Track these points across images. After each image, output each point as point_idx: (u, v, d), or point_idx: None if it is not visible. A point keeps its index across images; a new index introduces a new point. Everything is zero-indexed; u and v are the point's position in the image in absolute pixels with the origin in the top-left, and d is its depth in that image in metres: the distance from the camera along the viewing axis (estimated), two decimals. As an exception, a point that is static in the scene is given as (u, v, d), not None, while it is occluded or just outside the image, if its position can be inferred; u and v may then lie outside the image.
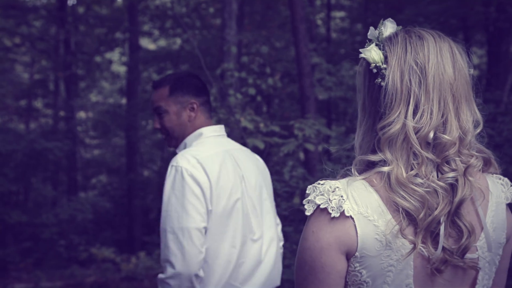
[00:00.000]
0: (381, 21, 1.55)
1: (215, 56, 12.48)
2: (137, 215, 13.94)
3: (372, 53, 1.49)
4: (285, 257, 5.82)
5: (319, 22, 14.23)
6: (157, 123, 2.65)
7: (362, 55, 1.51)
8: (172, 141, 2.67)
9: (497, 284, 1.59)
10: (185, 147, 2.65)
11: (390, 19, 1.55)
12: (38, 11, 14.79)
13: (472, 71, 1.52)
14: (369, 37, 1.54)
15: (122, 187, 15.92)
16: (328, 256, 1.41)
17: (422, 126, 1.41)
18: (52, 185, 15.34)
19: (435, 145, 1.42)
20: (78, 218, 11.84)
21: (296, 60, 7.27)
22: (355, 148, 1.53)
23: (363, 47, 1.55)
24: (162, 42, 16.81)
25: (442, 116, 1.43)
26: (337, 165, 1.56)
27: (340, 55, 11.91)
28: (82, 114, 17.75)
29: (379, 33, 1.53)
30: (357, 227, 1.40)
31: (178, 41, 14.79)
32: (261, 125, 6.13)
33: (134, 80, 14.58)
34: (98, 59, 16.24)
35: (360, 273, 1.42)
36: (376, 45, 1.51)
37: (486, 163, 1.51)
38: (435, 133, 1.42)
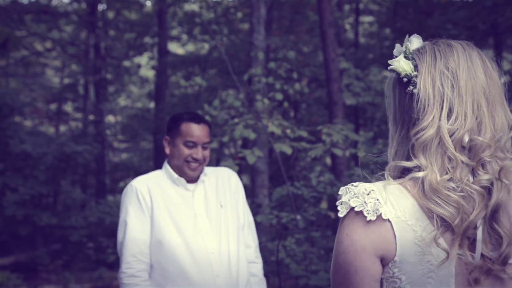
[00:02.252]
0: (407, 37, 1.54)
1: (243, 61, 12.52)
2: (164, 219, 14.02)
3: (401, 63, 1.49)
4: (311, 262, 5.79)
5: (348, 27, 14.19)
6: (201, 154, 3.05)
7: (391, 67, 1.51)
8: (200, 168, 3.09)
9: None
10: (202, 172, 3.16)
11: (415, 34, 1.55)
12: (69, 16, 15.00)
13: (503, 80, 1.51)
14: (395, 54, 1.54)
15: (149, 191, 15.99)
16: (362, 260, 1.39)
17: (457, 129, 1.40)
18: (81, 188, 15.51)
19: (470, 148, 1.41)
20: (106, 221, 11.95)
21: (324, 65, 7.26)
22: (388, 158, 1.52)
23: (391, 51, 1.54)
24: (190, 47, 16.91)
25: (477, 119, 1.41)
26: (365, 170, 1.55)
27: (368, 60, 11.85)
28: (110, 118, 17.93)
29: (406, 47, 1.52)
30: (395, 231, 1.37)
31: (206, 45, 14.87)
32: (288, 131, 6.12)
33: (162, 85, 14.69)
34: (127, 63, 16.41)
35: (400, 279, 1.39)
36: (405, 57, 1.50)
37: None
38: (470, 137, 1.40)
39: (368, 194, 1.40)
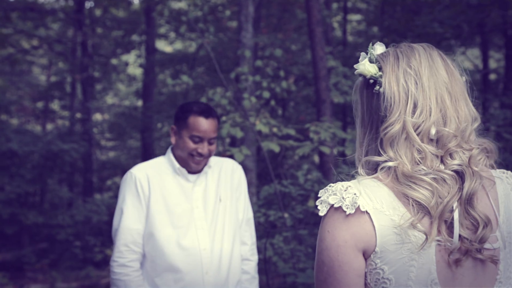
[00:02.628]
0: (370, 44, 1.61)
1: (231, 59, 12.51)
2: (152, 217, 13.97)
3: (367, 66, 1.56)
4: (299, 260, 5.80)
5: (336, 25, 14.21)
6: (207, 149, 3.00)
7: (357, 71, 1.57)
8: (205, 161, 3.04)
9: None
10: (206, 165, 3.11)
11: (379, 42, 1.63)
12: (56, 13, 14.90)
13: (464, 78, 1.58)
14: (360, 61, 1.61)
15: (137, 189, 15.95)
16: (344, 254, 1.42)
17: (423, 122, 1.46)
18: (68, 187, 15.44)
19: (438, 140, 1.47)
20: (93, 220, 11.90)
21: (312, 63, 7.26)
22: (356, 160, 1.58)
23: (379, 50, 1.63)
24: (178, 45, 16.87)
25: (441, 111, 1.48)
26: (352, 169, 1.58)
27: (356, 58, 11.84)
28: (98, 116, 17.86)
29: (370, 54, 1.59)
30: (374, 222, 1.41)
31: (194, 43, 14.84)
32: (275, 129, 6.12)
33: (150, 83, 14.64)
34: (114, 61, 16.33)
35: (382, 269, 1.42)
36: (369, 61, 1.57)
37: (488, 152, 1.56)
38: (436, 128, 1.47)
39: (345, 190, 1.44)
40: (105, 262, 11.47)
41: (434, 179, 1.43)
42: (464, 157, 1.46)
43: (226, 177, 3.15)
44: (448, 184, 1.44)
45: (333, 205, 1.43)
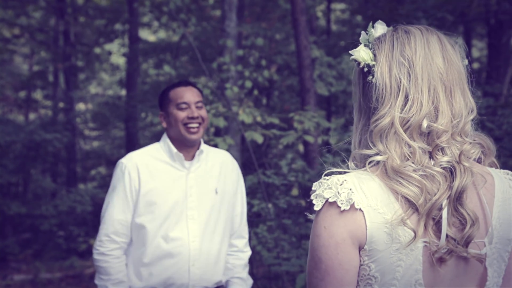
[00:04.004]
0: (370, 24, 1.57)
1: (215, 47, 12.45)
2: (136, 207, 13.92)
3: (361, 53, 1.52)
4: (283, 249, 5.82)
5: (320, 14, 14.19)
6: (197, 113, 2.99)
7: (352, 57, 1.54)
8: (201, 130, 3.02)
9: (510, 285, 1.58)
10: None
11: (380, 21, 1.58)
12: (37, 2, 14.73)
13: (466, 62, 1.53)
14: (361, 41, 1.57)
15: (121, 179, 15.88)
16: (344, 252, 1.39)
17: (413, 115, 1.43)
18: (52, 177, 15.34)
19: (429, 133, 1.44)
20: (77, 210, 11.84)
21: (296, 52, 7.26)
22: (352, 147, 1.54)
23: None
24: (162, 34, 16.77)
25: (433, 104, 1.44)
26: (337, 158, 1.56)
27: (340, 47, 11.88)
28: (81, 106, 17.73)
29: (369, 35, 1.55)
30: (366, 220, 1.39)
31: (181, 30, 14.74)
32: (258, 118, 6.11)
33: (134, 72, 14.54)
34: (97, 50, 16.20)
35: (369, 267, 1.41)
36: (365, 45, 1.53)
37: (484, 150, 1.51)
38: (428, 123, 1.43)
39: (341, 185, 1.41)
40: (89, 252, 11.42)
41: (423, 176, 1.40)
42: (455, 152, 1.42)
43: (227, 170, 3.14)
44: (437, 181, 1.41)
45: (328, 199, 1.41)
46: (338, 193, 1.40)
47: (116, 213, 2.94)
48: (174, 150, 3.01)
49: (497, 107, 6.97)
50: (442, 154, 1.43)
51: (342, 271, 1.40)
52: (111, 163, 16.79)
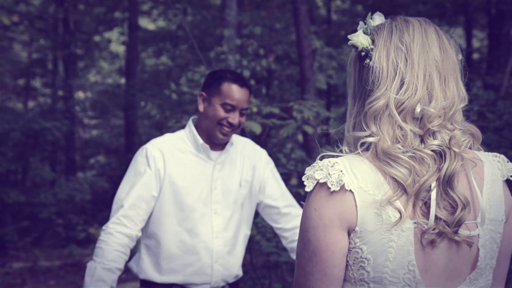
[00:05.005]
0: (369, 14, 1.61)
1: (214, 36, 12.40)
2: (135, 196, 13.91)
3: (360, 38, 1.55)
4: (282, 239, 5.82)
5: (320, 3, 14.14)
6: (238, 120, 2.81)
7: (350, 42, 1.57)
8: (231, 134, 2.86)
9: (506, 272, 1.60)
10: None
11: (378, 12, 1.63)
12: (36, -11, 14.66)
13: (460, 57, 1.57)
14: (358, 30, 1.60)
15: (120, 168, 15.89)
16: (332, 234, 1.42)
17: (407, 98, 1.46)
18: (50, 165, 15.33)
19: (421, 118, 1.47)
20: (76, 198, 11.84)
21: (296, 41, 7.22)
22: (345, 132, 1.57)
23: (364, 29, 1.60)
24: (161, 22, 16.71)
25: (427, 89, 1.47)
26: (336, 148, 1.58)
27: (341, 37, 11.84)
28: (80, 94, 17.69)
29: (367, 25, 1.59)
30: (357, 201, 1.41)
31: (178, 20, 14.71)
32: (254, 109, 6.08)
33: (133, 60, 14.50)
34: (97, 38, 16.14)
35: (361, 249, 1.42)
36: (364, 32, 1.57)
37: (474, 137, 1.55)
38: (421, 107, 1.46)
39: (332, 166, 1.44)
40: (88, 241, 11.45)
41: (412, 157, 1.43)
42: (446, 137, 1.46)
43: (251, 161, 2.97)
44: (426, 163, 1.43)
45: (319, 180, 1.44)
46: (329, 174, 1.43)
47: (135, 199, 2.73)
48: (200, 141, 2.83)
49: (497, 97, 6.95)
50: (433, 138, 1.46)
51: (328, 252, 1.42)
52: (110, 152, 16.79)
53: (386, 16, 1.63)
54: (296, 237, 2.80)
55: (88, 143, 17.03)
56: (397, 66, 1.49)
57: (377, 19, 1.61)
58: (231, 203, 2.88)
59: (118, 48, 17.64)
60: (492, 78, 8.09)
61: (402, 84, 1.47)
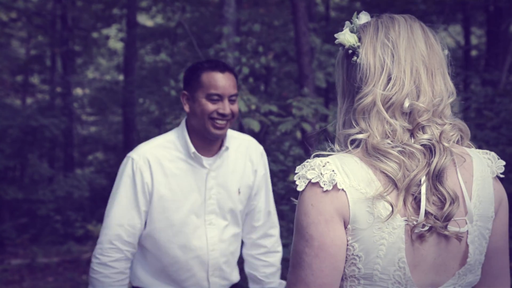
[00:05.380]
0: (355, 14, 1.62)
1: (213, 33, 12.39)
2: (133, 192, 13.92)
3: (347, 36, 1.56)
4: (282, 235, 5.82)
5: (318, 0, 14.13)
6: (228, 108, 2.54)
7: (337, 40, 1.57)
8: (228, 126, 2.59)
9: (501, 267, 1.61)
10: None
11: (364, 11, 1.64)
12: (34, -14, 14.63)
13: (446, 52, 1.57)
14: (344, 29, 1.62)
15: (118, 164, 15.83)
16: (335, 230, 1.42)
17: (395, 94, 1.47)
18: (49, 162, 15.32)
19: (410, 113, 1.47)
20: (74, 195, 11.84)
21: (295, 38, 7.23)
22: (336, 130, 1.58)
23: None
24: (160, 19, 16.69)
25: (415, 83, 1.48)
26: (328, 146, 1.59)
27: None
28: (78, 91, 17.67)
29: (353, 24, 1.60)
30: (349, 200, 1.42)
31: (176, 17, 14.69)
32: (253, 106, 6.08)
33: (131, 57, 14.49)
34: (95, 35, 16.12)
35: (353, 246, 1.43)
36: (351, 31, 1.58)
37: (462, 134, 1.56)
38: (410, 102, 1.47)
39: (323, 166, 1.44)
40: (86, 237, 11.45)
41: (402, 152, 1.44)
42: (435, 132, 1.46)
43: (254, 162, 2.74)
44: (416, 158, 1.44)
45: (311, 180, 1.44)
46: (321, 174, 1.43)
47: (123, 216, 2.51)
48: (192, 149, 2.57)
49: (495, 94, 6.96)
50: (423, 132, 1.46)
51: (335, 247, 1.42)
52: (108, 148, 16.79)
53: (383, 13, 1.64)
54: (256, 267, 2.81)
55: (86, 140, 17.02)
56: (384, 62, 1.49)
57: (363, 18, 1.61)
58: (227, 212, 2.67)
59: (116, 44, 17.62)
60: (490, 75, 8.10)
61: (389, 79, 1.48)
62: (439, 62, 1.52)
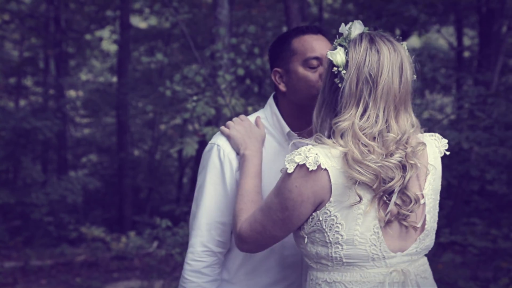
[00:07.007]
0: (349, 24, 1.86)
1: (206, 35, 12.40)
2: (127, 195, 13.92)
3: (337, 57, 1.81)
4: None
5: (311, 1, 14.14)
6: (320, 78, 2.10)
7: (328, 56, 1.82)
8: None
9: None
10: None
11: (359, 21, 1.86)
12: (27, -13, 14.58)
13: (415, 77, 1.85)
14: (340, 31, 1.87)
15: (112, 166, 15.88)
16: (305, 208, 1.80)
17: (368, 126, 1.75)
18: (42, 164, 15.27)
19: (382, 141, 1.77)
20: (68, 199, 11.79)
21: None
22: (313, 123, 1.87)
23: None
24: (153, 21, 16.68)
25: (386, 122, 1.77)
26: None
27: (332, 35, 11.84)
28: (72, 93, 17.63)
29: (348, 32, 1.85)
30: (331, 178, 1.76)
31: (173, 18, 14.68)
32: (250, 108, 6.09)
33: (125, 59, 14.47)
34: (88, 37, 16.10)
35: (336, 216, 1.79)
36: (342, 46, 1.83)
37: (416, 129, 1.88)
38: (380, 132, 1.77)
39: (309, 151, 1.76)
40: (79, 240, 11.42)
41: (381, 166, 1.75)
42: (403, 154, 1.78)
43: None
44: (393, 172, 1.76)
45: (298, 163, 1.76)
46: (307, 157, 1.75)
47: (213, 214, 2.18)
48: (287, 128, 2.20)
49: (487, 95, 6.99)
50: (393, 155, 1.77)
51: (297, 219, 1.83)
52: (102, 151, 16.76)
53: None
54: None
55: (80, 142, 16.98)
56: (362, 95, 1.76)
57: (358, 28, 1.84)
58: None
59: (110, 46, 17.60)
60: (483, 76, 8.13)
61: (364, 112, 1.76)
62: (405, 98, 1.80)
